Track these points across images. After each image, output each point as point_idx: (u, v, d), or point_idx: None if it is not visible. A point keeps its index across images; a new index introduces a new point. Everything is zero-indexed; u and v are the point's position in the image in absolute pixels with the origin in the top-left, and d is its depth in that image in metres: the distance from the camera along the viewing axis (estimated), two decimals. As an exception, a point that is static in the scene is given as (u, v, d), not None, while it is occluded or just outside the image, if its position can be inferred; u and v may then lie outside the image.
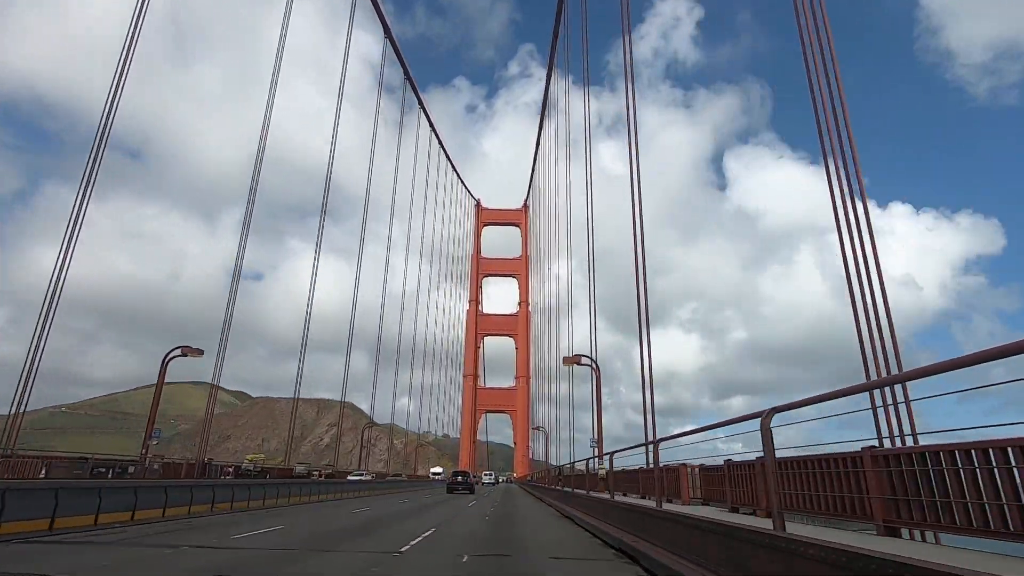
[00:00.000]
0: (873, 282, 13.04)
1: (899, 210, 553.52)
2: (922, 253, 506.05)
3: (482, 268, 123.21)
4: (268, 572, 8.40)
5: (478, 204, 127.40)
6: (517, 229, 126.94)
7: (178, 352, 25.59)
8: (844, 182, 14.06)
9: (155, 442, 25.51)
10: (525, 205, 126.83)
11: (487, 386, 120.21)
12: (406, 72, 75.46)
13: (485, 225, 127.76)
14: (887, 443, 10.96)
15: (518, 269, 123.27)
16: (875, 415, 11.15)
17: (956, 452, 4.64)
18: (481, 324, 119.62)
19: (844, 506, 6.09)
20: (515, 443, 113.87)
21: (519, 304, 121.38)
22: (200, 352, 26.16)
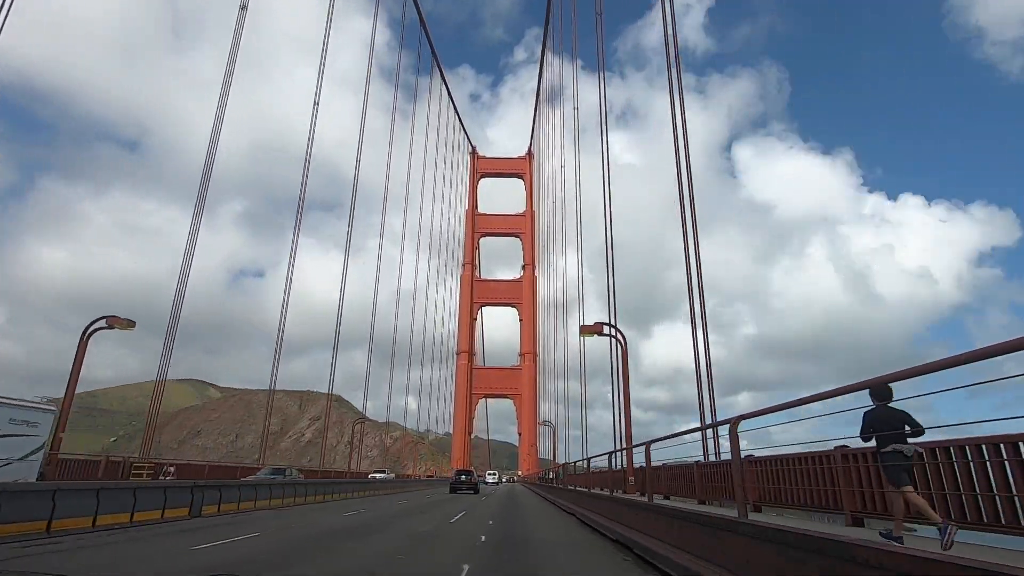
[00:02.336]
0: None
1: (910, 202, 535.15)
2: (936, 245, 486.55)
3: (478, 226, 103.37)
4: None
5: (473, 152, 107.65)
6: (518, 192, 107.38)
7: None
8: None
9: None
10: (529, 153, 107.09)
11: (485, 365, 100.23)
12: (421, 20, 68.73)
13: (482, 177, 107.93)
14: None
15: (522, 227, 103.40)
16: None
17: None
18: (477, 292, 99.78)
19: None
20: (519, 433, 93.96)
21: (523, 267, 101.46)
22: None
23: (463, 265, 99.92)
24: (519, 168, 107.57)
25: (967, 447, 4.63)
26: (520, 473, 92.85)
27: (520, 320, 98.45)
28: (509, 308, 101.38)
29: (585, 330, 22.38)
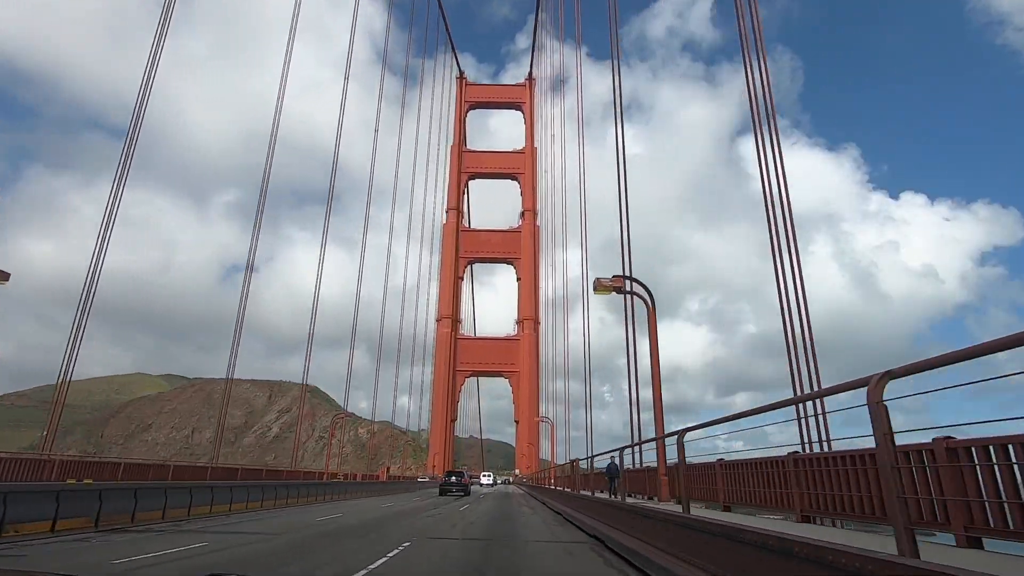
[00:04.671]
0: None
1: (913, 200, 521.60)
2: (941, 244, 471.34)
3: (466, 165, 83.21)
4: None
5: (461, 77, 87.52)
6: (513, 131, 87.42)
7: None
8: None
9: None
10: (530, 78, 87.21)
11: (476, 336, 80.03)
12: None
13: (472, 108, 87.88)
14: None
15: (520, 167, 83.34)
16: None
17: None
18: (465, 244, 79.63)
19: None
20: (516, 421, 73.66)
21: (522, 214, 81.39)
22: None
23: (446, 211, 79.78)
24: (517, 96, 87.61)
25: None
26: (518, 472, 72.76)
27: (518, 279, 78.35)
28: (505, 266, 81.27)
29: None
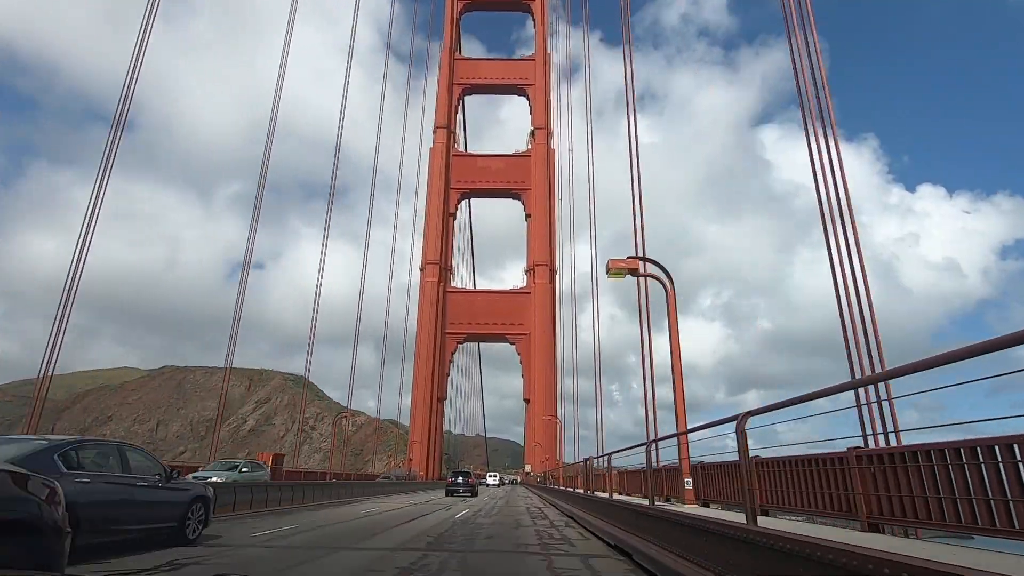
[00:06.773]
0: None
1: (930, 192, 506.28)
2: (962, 237, 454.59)
3: (460, 75, 65.02)
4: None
5: (454, -29, 69.29)
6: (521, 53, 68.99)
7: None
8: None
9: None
10: (540, -30, 68.90)
11: (476, 288, 61.98)
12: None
13: (467, 8, 69.70)
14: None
15: (529, 76, 65.06)
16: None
17: (931, 452, 4.57)
18: (458, 172, 61.41)
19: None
20: (526, 400, 55.21)
21: (532, 134, 63.11)
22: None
23: (434, 130, 61.62)
24: (525, -7, 69.34)
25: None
26: (529, 470, 54.52)
27: (527, 216, 60.00)
28: (508, 202, 63.02)
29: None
